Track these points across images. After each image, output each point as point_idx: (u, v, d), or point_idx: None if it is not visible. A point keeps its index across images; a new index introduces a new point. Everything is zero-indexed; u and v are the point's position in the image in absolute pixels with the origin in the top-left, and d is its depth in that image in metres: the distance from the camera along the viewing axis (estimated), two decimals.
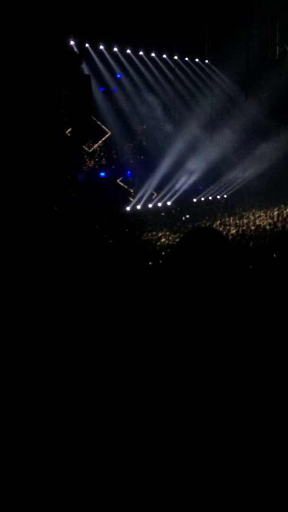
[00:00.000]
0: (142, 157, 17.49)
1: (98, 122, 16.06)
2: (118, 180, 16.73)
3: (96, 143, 16.16)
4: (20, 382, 3.75)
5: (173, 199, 17.38)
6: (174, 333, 3.02)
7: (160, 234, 11.70)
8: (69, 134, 14.75)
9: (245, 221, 13.35)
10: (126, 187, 16.83)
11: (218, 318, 2.85)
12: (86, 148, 15.93)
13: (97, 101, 15.86)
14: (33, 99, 13.71)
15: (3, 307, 5.42)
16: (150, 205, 16.85)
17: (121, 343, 4.31)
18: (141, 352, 3.72)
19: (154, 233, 11.88)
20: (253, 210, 15.46)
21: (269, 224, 12.56)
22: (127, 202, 16.38)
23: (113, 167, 16.66)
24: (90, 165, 16.10)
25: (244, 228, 11.93)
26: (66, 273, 6.73)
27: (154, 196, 17.17)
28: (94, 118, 15.78)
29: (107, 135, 16.27)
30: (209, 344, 2.96)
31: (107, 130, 16.25)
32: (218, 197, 18.88)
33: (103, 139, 16.25)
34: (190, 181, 17.89)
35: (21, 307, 5.46)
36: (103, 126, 16.14)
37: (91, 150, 16.06)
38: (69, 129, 14.71)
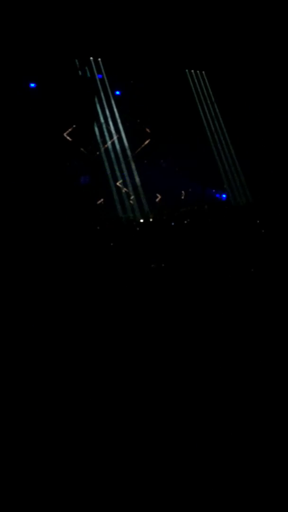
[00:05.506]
0: None
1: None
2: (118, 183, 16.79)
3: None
4: (20, 381, 3.80)
5: None
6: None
7: None
8: (68, 138, 14.96)
9: None
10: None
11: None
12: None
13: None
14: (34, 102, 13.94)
15: (3, 309, 5.37)
16: None
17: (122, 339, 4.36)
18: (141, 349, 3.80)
19: None
20: None
21: None
22: None
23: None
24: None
25: None
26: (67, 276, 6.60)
27: (158, 199, 17.41)
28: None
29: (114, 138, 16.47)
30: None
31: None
32: None
33: (110, 141, 16.46)
34: None
35: (21, 309, 5.42)
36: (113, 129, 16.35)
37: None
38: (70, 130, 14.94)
